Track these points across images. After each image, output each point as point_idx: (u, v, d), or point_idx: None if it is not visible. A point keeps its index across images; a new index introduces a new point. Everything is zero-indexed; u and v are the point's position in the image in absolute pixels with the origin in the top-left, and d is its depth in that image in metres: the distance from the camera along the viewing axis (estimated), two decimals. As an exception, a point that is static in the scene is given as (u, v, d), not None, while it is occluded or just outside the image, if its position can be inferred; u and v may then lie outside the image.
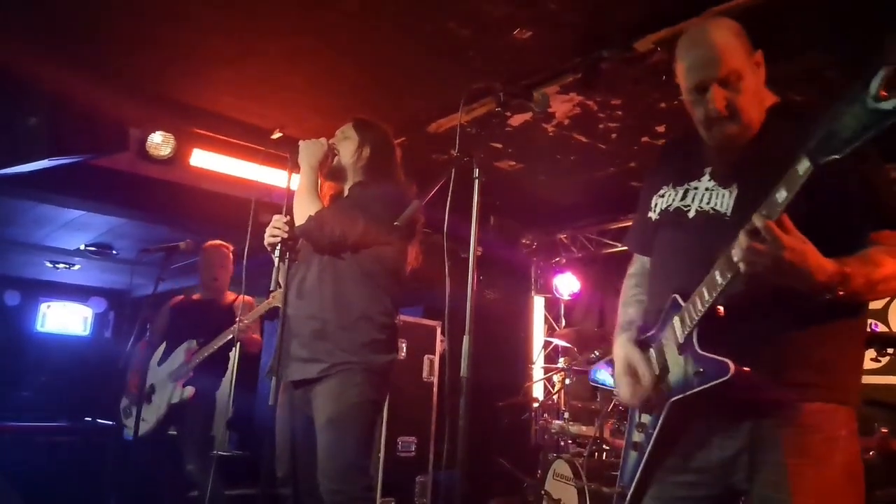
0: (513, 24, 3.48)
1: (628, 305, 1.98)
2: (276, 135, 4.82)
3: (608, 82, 3.90)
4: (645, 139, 4.82)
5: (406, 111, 4.51)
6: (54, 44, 3.88)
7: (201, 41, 3.83)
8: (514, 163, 5.45)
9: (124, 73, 4.25)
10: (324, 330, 2.68)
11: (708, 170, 1.77)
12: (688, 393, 1.60)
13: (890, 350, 3.66)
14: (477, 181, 1.97)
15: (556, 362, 6.80)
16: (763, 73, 1.73)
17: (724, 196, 1.70)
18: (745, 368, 1.49)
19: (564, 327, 7.00)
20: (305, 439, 2.69)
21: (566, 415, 4.97)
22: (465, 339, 1.84)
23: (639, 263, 2.04)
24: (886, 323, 4.77)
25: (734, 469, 1.61)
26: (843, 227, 1.57)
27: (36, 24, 3.73)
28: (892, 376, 4.66)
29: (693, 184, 1.79)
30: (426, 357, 5.48)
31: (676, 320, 1.66)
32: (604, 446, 4.52)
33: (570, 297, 7.02)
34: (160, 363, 4.27)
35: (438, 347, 5.54)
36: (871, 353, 3.64)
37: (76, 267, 8.54)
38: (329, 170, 2.89)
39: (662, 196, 1.86)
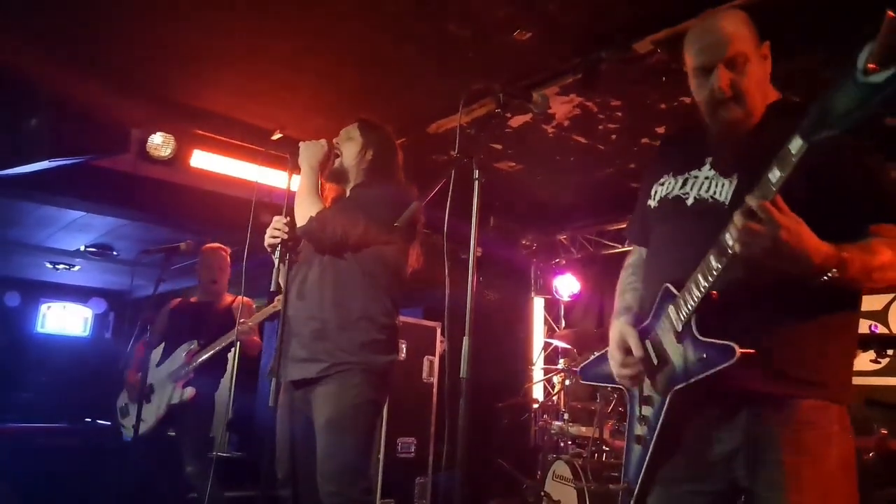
0: (512, 25, 3.49)
1: (625, 293, 1.98)
2: (277, 136, 4.83)
3: (608, 83, 3.91)
4: (644, 140, 4.82)
5: (406, 112, 4.51)
6: (55, 45, 3.89)
7: (202, 42, 3.84)
8: (513, 164, 5.45)
9: (125, 75, 4.25)
10: (324, 330, 2.68)
11: (709, 159, 1.77)
12: (691, 380, 1.58)
13: (889, 351, 3.67)
14: (477, 182, 1.97)
15: (556, 363, 6.80)
16: (769, 66, 1.75)
17: (723, 185, 1.70)
18: (750, 350, 1.48)
19: (564, 328, 7.01)
20: (305, 441, 2.68)
21: (566, 416, 4.97)
22: (465, 340, 1.83)
23: (637, 254, 2.05)
24: (886, 324, 4.77)
25: (734, 465, 1.62)
26: (844, 219, 1.57)
27: (37, 25, 3.74)
28: (891, 377, 4.66)
29: (693, 172, 1.79)
30: (426, 358, 5.48)
31: (671, 309, 1.66)
32: (603, 447, 4.52)
33: (569, 298, 7.02)
34: (159, 363, 4.27)
35: (438, 348, 5.54)
36: (870, 355, 3.65)
37: (76, 268, 8.54)
38: (331, 172, 2.90)
39: (662, 184, 1.86)
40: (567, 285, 6.95)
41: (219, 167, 4.92)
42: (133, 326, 4.21)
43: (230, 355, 4.31)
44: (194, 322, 4.35)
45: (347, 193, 2.93)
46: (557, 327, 7.10)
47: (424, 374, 5.45)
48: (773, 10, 3.12)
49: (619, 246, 6.18)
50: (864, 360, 4.00)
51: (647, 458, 1.70)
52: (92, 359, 9.03)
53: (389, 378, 2.78)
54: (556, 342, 6.57)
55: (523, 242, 7.14)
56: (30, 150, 4.24)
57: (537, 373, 6.91)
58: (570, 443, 5.01)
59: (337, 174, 2.91)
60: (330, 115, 4.44)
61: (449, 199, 2.00)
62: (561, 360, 6.18)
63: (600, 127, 4.68)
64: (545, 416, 5.61)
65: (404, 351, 5.17)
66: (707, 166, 1.77)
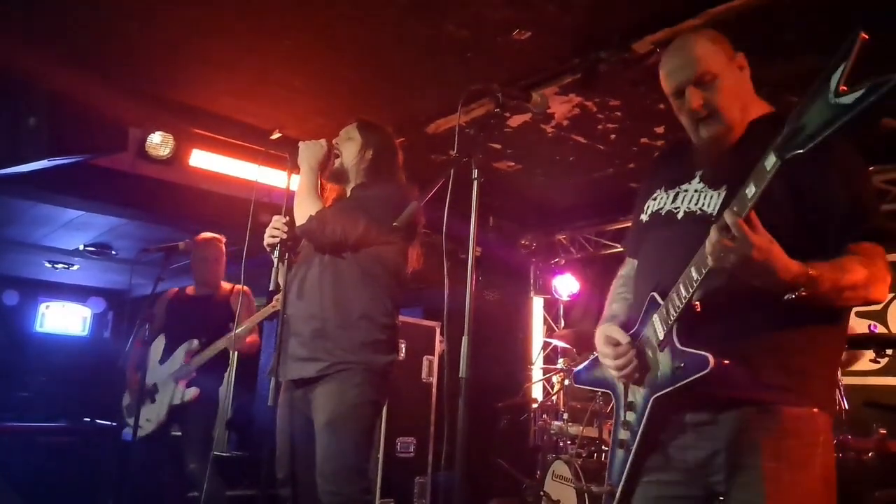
0: (512, 25, 3.49)
1: (613, 302, 2.03)
2: (276, 135, 4.82)
3: (607, 83, 3.91)
4: (644, 140, 4.82)
5: (405, 112, 4.51)
6: (54, 44, 3.89)
7: (201, 42, 3.83)
8: (513, 163, 5.45)
9: (124, 74, 4.25)
10: (324, 329, 2.68)
11: (698, 173, 1.81)
12: (668, 389, 1.62)
13: (888, 351, 3.67)
14: (476, 182, 1.97)
15: (556, 363, 6.80)
16: (747, 75, 1.79)
17: (712, 197, 1.73)
18: (725, 361, 1.52)
19: (563, 328, 7.00)
20: (305, 440, 2.68)
21: (565, 416, 4.97)
22: (464, 339, 1.84)
23: (629, 265, 2.08)
24: (885, 324, 4.78)
25: (711, 470, 1.63)
26: (825, 235, 1.60)
27: (36, 24, 3.73)
28: (890, 377, 4.67)
29: (684, 186, 1.83)
30: (425, 358, 5.48)
31: (656, 318, 1.70)
32: (603, 447, 4.53)
33: (569, 298, 7.02)
34: (161, 362, 4.25)
35: (437, 348, 5.54)
36: (870, 355, 3.64)
37: (75, 267, 8.54)
38: (331, 172, 2.90)
39: (655, 199, 1.90)
40: (566, 285, 6.95)
41: (218, 166, 4.91)
42: (132, 326, 4.19)
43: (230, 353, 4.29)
44: (194, 317, 4.32)
45: (348, 194, 2.93)
46: (557, 327, 7.10)
47: (424, 374, 5.45)
48: (772, 12, 3.14)
49: (619, 246, 6.18)
50: (863, 361, 4.00)
51: (629, 463, 1.74)
52: (91, 358, 9.03)
53: (390, 378, 2.78)
54: (555, 342, 6.56)
55: (522, 242, 7.14)
56: (28, 149, 4.24)
57: (536, 373, 6.91)
58: (569, 443, 5.01)
59: (337, 174, 2.91)
60: (329, 114, 4.45)
61: (448, 199, 2.00)
62: (560, 360, 6.18)
63: (599, 127, 4.68)
64: (544, 415, 5.62)
65: (403, 351, 5.17)
66: (696, 179, 1.81)
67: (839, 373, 1.81)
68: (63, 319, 9.94)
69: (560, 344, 6.10)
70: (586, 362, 2.07)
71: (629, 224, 2.13)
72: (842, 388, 3.44)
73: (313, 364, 2.66)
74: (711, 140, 1.75)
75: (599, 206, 6.14)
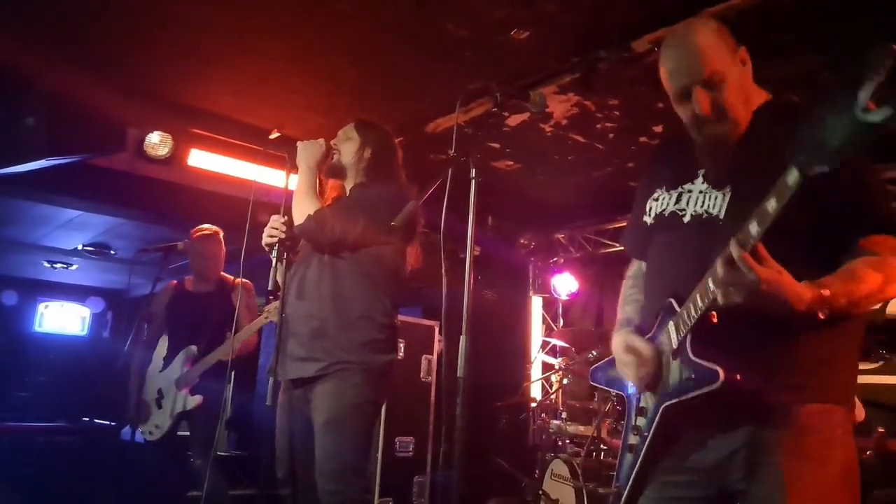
0: (510, 24, 3.48)
1: (626, 304, 2.00)
2: (274, 135, 4.79)
3: (605, 82, 3.91)
4: (643, 139, 4.82)
5: (404, 111, 4.51)
6: (52, 44, 3.88)
7: (199, 41, 3.83)
8: (511, 163, 5.45)
9: (122, 73, 4.25)
10: (322, 329, 2.68)
11: (701, 172, 1.77)
12: (680, 399, 1.61)
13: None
14: (474, 181, 1.97)
15: (554, 362, 6.81)
16: (749, 70, 1.73)
17: (717, 199, 1.70)
18: (737, 376, 1.48)
19: (562, 327, 7.01)
20: (304, 440, 2.68)
21: (564, 415, 4.97)
22: (462, 339, 1.84)
23: (637, 266, 2.05)
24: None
25: (729, 469, 1.61)
26: (835, 233, 1.57)
27: (33, 23, 3.73)
28: (889, 376, 4.66)
29: (687, 186, 1.79)
30: (424, 357, 5.48)
31: (671, 325, 1.67)
32: (601, 446, 4.53)
33: (567, 297, 7.02)
34: (164, 366, 4.24)
35: (436, 347, 5.54)
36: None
37: (74, 267, 8.54)
38: (330, 167, 2.89)
39: (657, 200, 1.87)
40: (565, 284, 6.95)
41: (216, 166, 4.90)
42: (131, 325, 4.18)
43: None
44: (195, 317, 4.27)
45: (347, 193, 2.93)
46: (556, 326, 7.11)
47: (422, 373, 5.45)
48: (771, 11, 3.14)
49: (617, 245, 6.18)
50: (858, 358, 3.99)
51: (637, 468, 1.73)
52: (90, 358, 9.03)
53: (389, 378, 2.78)
54: (554, 341, 6.58)
55: (521, 241, 7.14)
56: (26, 149, 4.24)
57: (535, 372, 6.91)
58: (568, 442, 5.01)
59: (336, 170, 2.91)
60: (328, 114, 4.45)
61: (446, 199, 2.01)
62: (559, 359, 6.19)
63: (598, 126, 4.68)
64: (543, 414, 5.62)
65: (402, 350, 5.17)
66: (700, 179, 1.77)
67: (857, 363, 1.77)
68: (62, 319, 9.93)
69: (559, 343, 6.12)
70: (602, 362, 2.04)
71: (630, 220, 2.09)
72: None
73: (312, 364, 2.66)
74: (715, 140, 1.71)
75: (598, 205, 6.14)
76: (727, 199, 1.67)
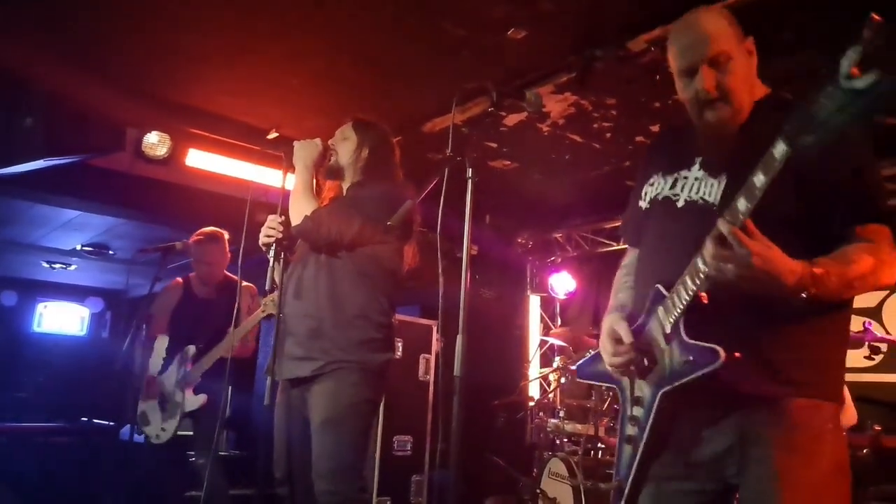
0: (507, 23, 3.49)
1: (619, 291, 2.00)
2: (272, 134, 4.80)
3: (602, 81, 3.92)
4: (639, 138, 4.83)
5: (401, 110, 4.51)
6: (50, 44, 3.88)
7: (197, 41, 3.83)
8: (508, 162, 5.46)
9: (120, 74, 4.25)
10: (319, 328, 2.69)
11: (698, 159, 1.77)
12: (677, 383, 1.59)
13: (883, 347, 3.69)
14: (470, 181, 1.98)
15: (552, 361, 6.81)
16: (755, 61, 1.74)
17: (712, 185, 1.70)
18: (736, 354, 1.48)
19: (560, 326, 7.01)
20: (302, 439, 2.69)
21: (561, 413, 4.98)
22: (459, 338, 1.84)
23: (632, 254, 2.05)
24: (880, 321, 4.78)
25: (726, 463, 1.62)
26: (830, 221, 1.57)
27: (32, 24, 3.73)
28: (884, 374, 4.68)
29: (683, 173, 1.79)
30: (422, 356, 5.49)
31: (661, 310, 1.66)
32: (599, 444, 4.54)
33: (565, 296, 7.03)
34: (165, 367, 4.23)
35: (434, 347, 5.55)
36: (864, 352, 3.67)
37: (73, 267, 8.54)
38: (327, 168, 2.90)
39: (652, 185, 1.87)
40: (563, 283, 6.96)
41: (214, 166, 4.90)
42: (130, 325, 4.17)
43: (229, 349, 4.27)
44: (198, 322, 4.26)
45: (344, 192, 2.94)
46: (553, 325, 7.10)
47: (420, 373, 5.45)
48: (769, 9, 3.14)
49: (615, 244, 6.19)
50: (857, 357, 4.02)
51: (637, 459, 1.71)
52: (89, 358, 9.02)
53: (386, 377, 2.79)
54: (551, 340, 6.57)
55: (519, 241, 7.14)
56: (25, 150, 4.24)
57: (533, 370, 6.92)
58: (565, 440, 5.02)
59: (333, 171, 2.92)
60: (326, 113, 4.44)
61: (442, 198, 2.01)
62: (557, 358, 6.20)
63: (595, 125, 4.69)
64: (541, 413, 5.62)
65: (400, 349, 5.17)
66: (696, 166, 1.77)
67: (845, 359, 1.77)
68: (61, 319, 9.94)
69: (556, 342, 6.11)
70: (587, 357, 2.05)
71: (628, 208, 2.07)
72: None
73: (309, 363, 2.67)
74: (715, 124, 1.70)
75: (595, 204, 6.15)
76: (722, 186, 1.67)
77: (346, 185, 2.94)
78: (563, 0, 3.29)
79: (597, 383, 2.09)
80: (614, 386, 1.90)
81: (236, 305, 3.36)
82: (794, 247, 1.46)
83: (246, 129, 4.84)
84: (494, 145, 5.10)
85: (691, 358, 1.55)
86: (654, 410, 1.66)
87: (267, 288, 2.74)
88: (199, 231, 4.36)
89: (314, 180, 2.84)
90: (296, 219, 2.72)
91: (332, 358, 2.65)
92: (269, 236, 2.74)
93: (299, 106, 4.58)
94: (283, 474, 2.73)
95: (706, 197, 1.70)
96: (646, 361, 1.71)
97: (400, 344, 5.14)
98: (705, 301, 1.55)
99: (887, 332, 4.60)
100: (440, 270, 2.04)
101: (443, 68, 3.96)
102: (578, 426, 4.71)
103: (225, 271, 4.44)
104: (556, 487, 4.54)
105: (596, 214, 6.35)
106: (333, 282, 2.73)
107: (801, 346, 1.59)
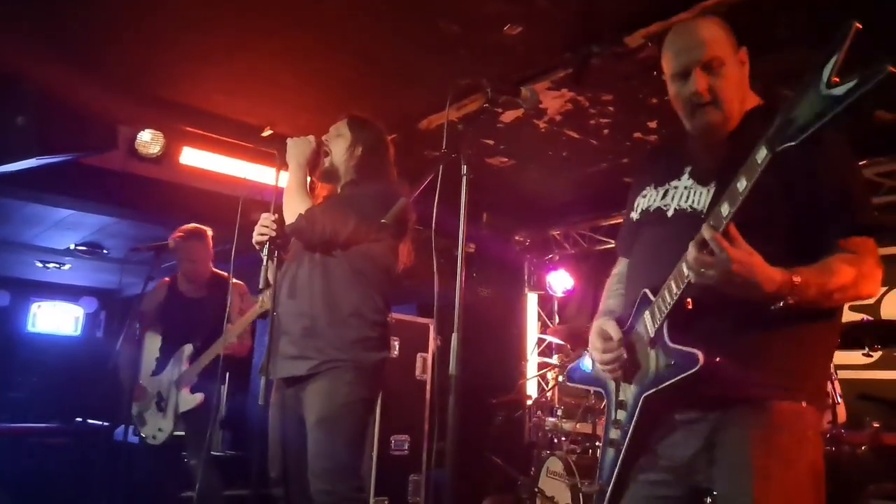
0: (503, 20, 3.47)
1: (609, 297, 2.02)
2: (267, 132, 4.79)
3: (599, 78, 3.90)
4: (637, 135, 4.82)
5: (397, 108, 4.49)
6: (42, 42, 3.86)
7: (190, 38, 3.81)
8: (505, 159, 5.44)
9: (113, 71, 4.22)
10: (314, 327, 2.67)
11: (688, 169, 1.79)
12: (659, 387, 1.61)
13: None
14: (465, 178, 1.96)
15: (550, 359, 6.80)
16: (747, 71, 1.76)
17: (701, 194, 1.71)
18: (716, 359, 1.50)
19: (558, 324, 7.00)
20: (297, 439, 2.67)
21: (560, 412, 4.97)
22: (454, 336, 1.82)
23: (622, 264, 2.07)
24: (878, 318, 4.77)
25: (698, 468, 1.62)
26: (816, 233, 1.59)
27: (23, 22, 3.70)
28: (883, 371, 4.67)
29: (673, 183, 1.81)
30: (419, 355, 5.46)
31: (647, 315, 1.68)
32: (597, 443, 4.52)
33: (563, 294, 7.02)
34: (160, 368, 4.19)
35: (431, 345, 5.53)
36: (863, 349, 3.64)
37: (66, 266, 8.50)
38: (322, 172, 2.87)
39: (644, 197, 1.89)
40: (560, 281, 6.95)
41: (208, 164, 4.88)
42: (124, 325, 4.14)
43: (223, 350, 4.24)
44: (189, 321, 4.24)
45: (338, 191, 2.91)
46: (551, 323, 7.10)
47: (418, 371, 5.43)
48: (763, 6, 3.13)
49: (613, 241, 6.17)
50: (855, 354, 3.99)
51: (619, 463, 1.72)
52: (83, 358, 8.99)
53: (381, 375, 2.77)
54: (549, 338, 6.57)
55: (516, 238, 7.13)
56: (17, 148, 4.21)
57: (531, 369, 6.91)
58: (563, 439, 5.01)
59: (328, 174, 2.89)
60: (320, 111, 4.41)
61: (437, 196, 1.99)
62: (555, 356, 6.19)
63: (592, 122, 4.67)
64: (539, 412, 5.62)
65: (397, 348, 5.15)
66: (686, 175, 1.79)
67: (832, 367, 1.78)
68: (55, 319, 9.90)
69: (554, 340, 6.11)
70: (577, 361, 2.06)
71: (622, 220, 2.11)
72: (836, 383, 3.45)
73: (304, 362, 2.65)
74: (706, 129, 1.73)
75: (593, 201, 6.14)
76: (711, 194, 1.68)
77: (339, 184, 2.91)
78: (559, -5, 3.27)
79: (586, 387, 2.09)
80: (600, 390, 1.92)
81: (229, 301, 3.33)
82: (779, 255, 1.49)
83: (240, 126, 4.82)
84: (491, 142, 5.08)
85: (673, 362, 1.57)
86: (636, 414, 1.68)
87: (261, 287, 2.71)
88: (180, 228, 4.25)
89: (308, 178, 2.81)
90: (289, 217, 2.69)
91: (326, 357, 2.63)
92: (262, 235, 2.71)
93: (293, 103, 4.56)
94: (279, 474, 2.70)
95: (695, 205, 1.72)
96: (631, 363, 1.72)
97: (397, 343, 5.12)
98: (690, 307, 1.57)
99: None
100: (434, 269, 2.02)
101: (438, 65, 3.93)
102: (577, 425, 4.71)
103: (213, 268, 4.39)
104: (554, 486, 4.52)
105: (594, 212, 6.34)
106: (328, 280, 2.70)
107: (785, 353, 1.60)
